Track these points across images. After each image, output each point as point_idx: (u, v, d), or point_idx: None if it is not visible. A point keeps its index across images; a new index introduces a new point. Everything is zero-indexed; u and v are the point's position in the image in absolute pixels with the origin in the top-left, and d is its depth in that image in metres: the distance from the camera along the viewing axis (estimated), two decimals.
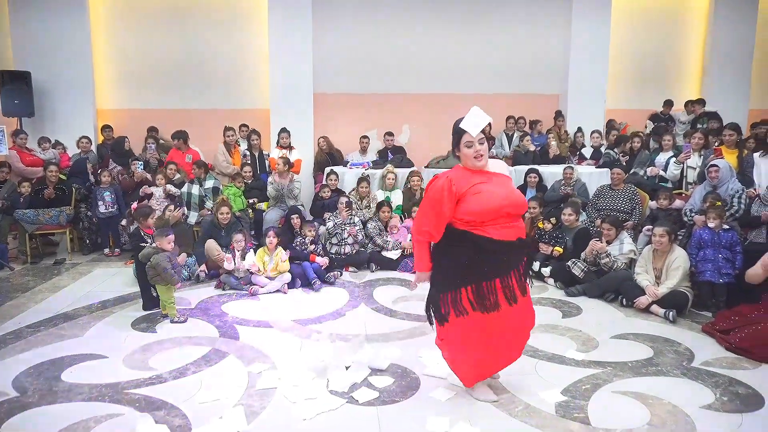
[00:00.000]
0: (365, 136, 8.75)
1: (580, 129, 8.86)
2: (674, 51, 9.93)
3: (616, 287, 5.10)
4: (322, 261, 5.76)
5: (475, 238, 2.83)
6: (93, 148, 8.27)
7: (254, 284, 5.45)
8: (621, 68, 9.65)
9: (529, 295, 3.08)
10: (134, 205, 6.06)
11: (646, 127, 9.13)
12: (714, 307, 4.83)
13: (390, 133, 8.85)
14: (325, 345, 4.15)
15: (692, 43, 9.95)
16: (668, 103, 9.17)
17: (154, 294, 4.77)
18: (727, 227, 4.92)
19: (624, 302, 4.96)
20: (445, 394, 3.33)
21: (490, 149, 9.66)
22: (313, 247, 5.86)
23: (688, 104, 8.94)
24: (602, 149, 8.12)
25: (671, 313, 4.60)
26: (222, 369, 3.74)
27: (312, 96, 9.12)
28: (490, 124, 9.26)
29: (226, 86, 9.19)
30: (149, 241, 4.82)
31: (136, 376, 3.60)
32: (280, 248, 5.59)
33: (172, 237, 4.67)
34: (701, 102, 8.83)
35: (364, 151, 8.73)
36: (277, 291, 5.48)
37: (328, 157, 8.61)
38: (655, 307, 4.76)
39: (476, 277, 2.88)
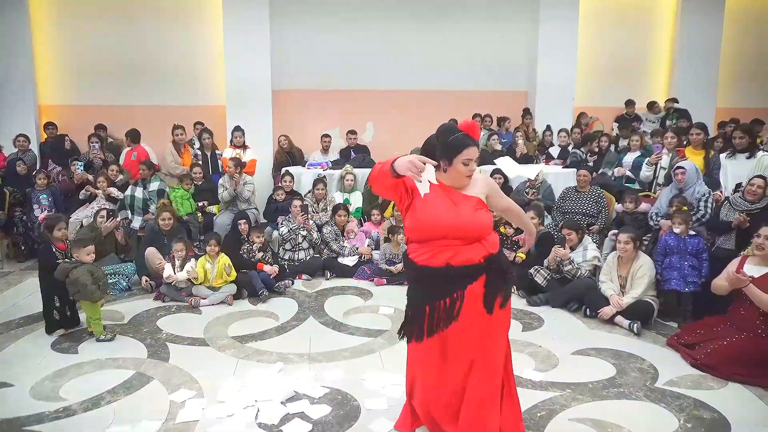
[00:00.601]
0: (326, 135, 8.37)
1: (549, 127, 8.61)
2: (643, 48, 9.75)
3: (580, 296, 4.84)
4: (271, 269, 5.38)
5: (421, 266, 2.54)
6: (34, 147, 7.75)
7: (195, 295, 5.06)
8: (589, 65, 9.44)
9: (491, 334, 2.54)
10: (42, 215, 5.54)
11: (612, 129, 8.95)
12: (680, 316, 4.61)
13: (353, 132, 8.49)
14: (261, 368, 3.79)
15: (661, 40, 9.79)
16: (630, 103, 8.98)
17: (67, 313, 4.34)
18: (694, 233, 4.68)
19: (588, 312, 4.71)
20: (387, 426, 3.00)
21: None
22: (261, 254, 5.48)
23: (652, 105, 8.78)
24: (569, 148, 7.88)
25: (636, 325, 4.35)
26: (142, 397, 3.36)
27: (271, 92, 8.70)
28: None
29: (180, 82, 8.71)
30: (59, 257, 4.33)
31: (41, 409, 3.19)
32: (223, 255, 5.20)
33: (91, 248, 4.25)
34: (673, 99, 8.66)
35: (325, 150, 8.36)
36: (222, 303, 5.09)
37: (288, 156, 8.22)
38: (619, 318, 4.50)
39: (434, 296, 2.54)
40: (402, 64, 9.15)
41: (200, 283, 5.07)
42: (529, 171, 6.94)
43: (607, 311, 4.51)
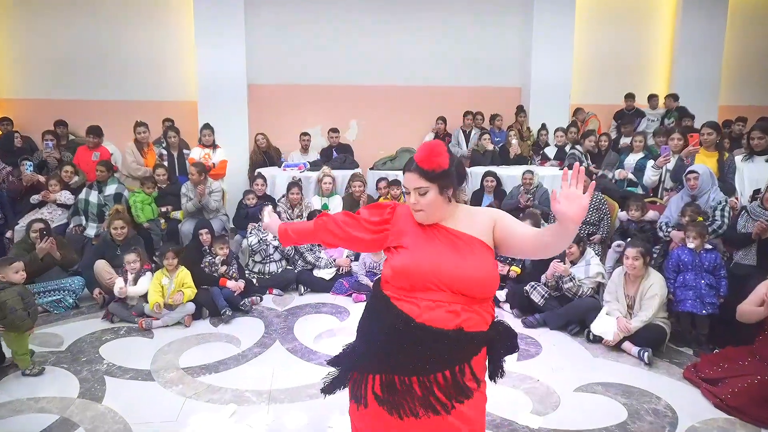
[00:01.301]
0: (305, 133, 7.77)
1: (544, 126, 8.07)
2: (642, 43, 9.21)
3: (582, 318, 4.30)
4: (235, 285, 4.79)
5: (394, 310, 1.89)
6: None
7: (148, 316, 4.46)
8: (586, 61, 8.89)
9: (476, 418, 1.93)
10: None
11: (610, 127, 8.43)
12: (694, 342, 4.07)
13: (335, 130, 7.88)
14: (210, 411, 3.20)
15: (661, 35, 9.26)
16: (630, 97, 8.43)
17: None
18: (710, 246, 4.15)
19: (591, 337, 4.16)
20: None
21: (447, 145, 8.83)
22: (224, 268, 4.88)
23: (651, 98, 8.25)
24: (567, 149, 7.34)
25: (647, 353, 3.81)
26: None
27: (246, 87, 8.07)
28: (445, 120, 8.61)
29: (147, 75, 8.06)
30: None
31: None
32: (183, 269, 4.60)
33: (19, 265, 3.64)
34: (674, 96, 8.14)
35: (305, 149, 7.77)
36: (179, 323, 4.50)
37: (265, 156, 7.62)
38: (627, 345, 3.97)
39: (391, 365, 1.91)
40: (388, 58, 8.56)
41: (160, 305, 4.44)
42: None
43: (615, 336, 3.97)
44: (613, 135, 7.82)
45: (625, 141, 7.39)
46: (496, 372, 2.00)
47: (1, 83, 7.93)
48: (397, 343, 1.85)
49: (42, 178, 6.13)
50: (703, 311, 3.97)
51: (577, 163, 1.76)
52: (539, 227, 5.14)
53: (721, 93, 9.23)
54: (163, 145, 6.95)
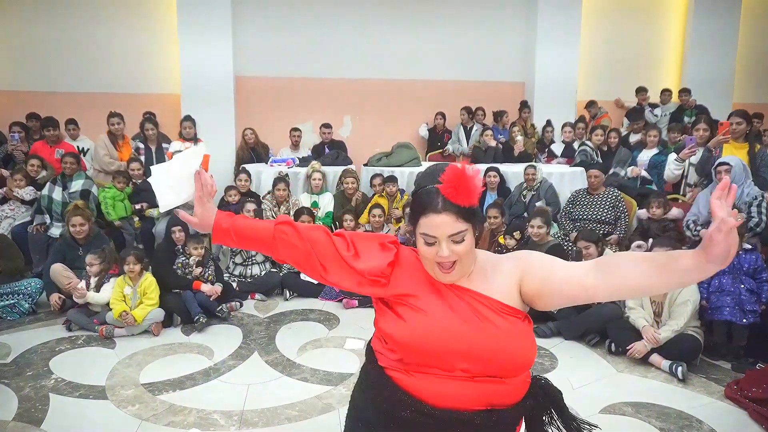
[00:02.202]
0: (296, 129, 7.27)
1: (549, 123, 7.60)
2: (653, 39, 8.77)
3: (602, 327, 3.79)
4: (210, 289, 4.26)
5: (397, 392, 1.36)
6: None
7: (109, 323, 3.93)
8: (594, 55, 8.43)
9: None
10: None
11: (622, 124, 7.96)
12: (731, 355, 3.57)
13: (327, 125, 7.39)
14: None
15: (672, 30, 8.83)
16: (642, 91, 7.96)
17: None
18: (749, 246, 3.66)
19: (613, 349, 3.65)
20: None
21: (446, 144, 8.47)
22: (199, 270, 4.36)
23: (663, 93, 7.79)
24: (575, 145, 6.87)
25: (680, 368, 3.30)
26: None
27: (233, 80, 7.58)
28: (444, 115, 8.14)
29: (128, 66, 7.54)
30: None
31: None
32: (148, 276, 4.08)
33: None
34: (687, 91, 7.68)
35: (295, 146, 7.28)
36: (145, 332, 3.98)
37: (252, 153, 7.13)
38: (656, 358, 3.46)
39: None
40: (384, 50, 8.07)
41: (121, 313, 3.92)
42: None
43: (640, 348, 3.46)
44: (624, 132, 7.35)
45: (635, 137, 6.93)
46: None
47: None
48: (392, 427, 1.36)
49: (5, 172, 5.62)
50: (743, 320, 3.47)
51: (727, 179, 1.20)
52: (549, 225, 4.67)
53: (735, 91, 8.80)
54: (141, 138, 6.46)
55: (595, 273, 1.30)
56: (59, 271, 4.24)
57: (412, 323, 1.35)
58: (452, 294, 1.37)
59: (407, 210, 4.88)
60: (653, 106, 7.82)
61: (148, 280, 4.04)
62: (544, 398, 1.45)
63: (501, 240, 4.65)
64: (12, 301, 4.30)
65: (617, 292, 1.30)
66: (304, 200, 5.76)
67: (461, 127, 7.69)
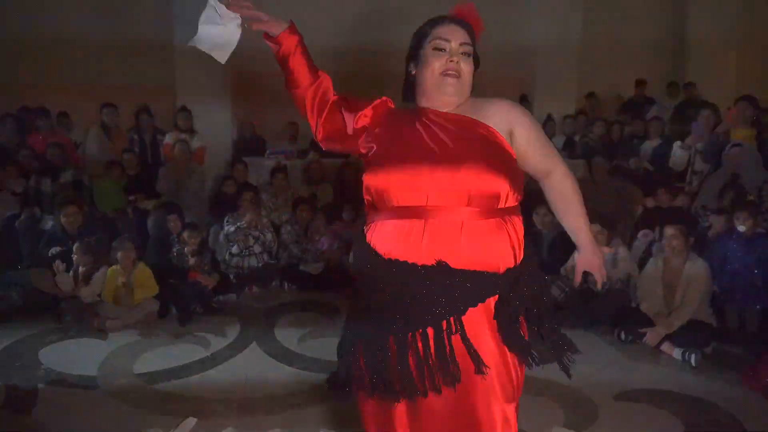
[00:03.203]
0: (293, 122, 7.16)
1: (550, 117, 7.51)
2: (653, 31, 8.70)
3: (611, 315, 3.69)
4: (206, 280, 4.14)
5: (364, 244, 1.50)
6: None
7: (101, 314, 3.79)
8: (594, 49, 8.34)
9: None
10: None
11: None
12: (744, 340, 3.47)
13: None
14: (163, 425, 2.55)
15: (672, 24, 8.77)
16: (641, 83, 7.89)
17: None
18: (762, 230, 3.57)
19: (623, 336, 3.55)
20: None
21: None
22: (195, 260, 4.23)
23: (672, 86, 7.72)
24: (576, 138, 6.79)
25: (693, 355, 3.20)
26: None
27: (229, 72, 7.43)
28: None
29: (119, 55, 7.37)
30: None
31: None
32: (142, 265, 3.95)
33: None
34: (692, 84, 7.60)
35: (293, 139, 7.17)
36: (139, 322, 3.85)
37: (249, 145, 7.02)
38: (667, 345, 3.36)
39: (372, 327, 1.43)
40: (385, 42, 7.96)
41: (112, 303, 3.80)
42: None
43: (654, 336, 3.36)
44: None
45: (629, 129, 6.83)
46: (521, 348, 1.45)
47: None
48: (409, 291, 1.42)
49: None
50: (757, 305, 3.38)
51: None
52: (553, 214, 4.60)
53: (736, 83, 8.71)
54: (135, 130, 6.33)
55: (545, 180, 1.61)
56: (38, 277, 4.07)
57: (376, 155, 1.51)
58: (425, 119, 1.53)
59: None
60: (651, 102, 7.74)
61: (143, 270, 3.91)
62: (533, 273, 1.52)
63: None
64: (1, 293, 4.16)
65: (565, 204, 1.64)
66: (303, 192, 5.65)
67: None
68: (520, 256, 1.48)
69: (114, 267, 3.90)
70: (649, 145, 6.03)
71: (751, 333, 3.48)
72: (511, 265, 1.44)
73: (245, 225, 4.76)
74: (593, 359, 3.35)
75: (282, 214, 5.23)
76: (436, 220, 1.39)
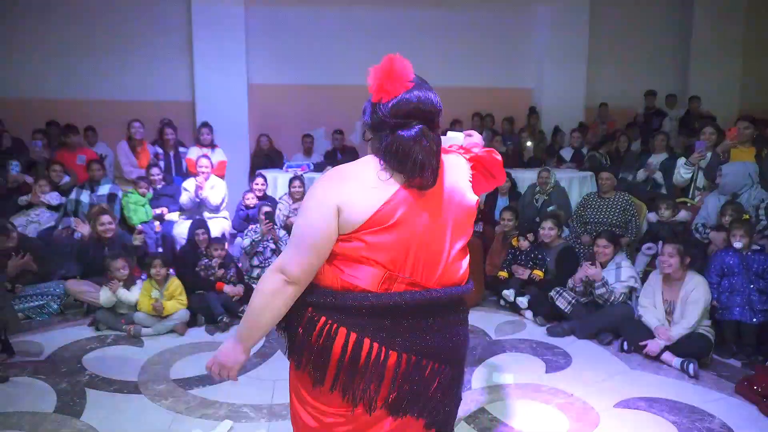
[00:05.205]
0: (308, 135, 7.44)
1: (558, 129, 7.73)
2: (660, 42, 8.88)
3: (615, 326, 3.91)
4: (233, 290, 4.40)
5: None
6: None
7: (135, 323, 4.06)
8: (603, 59, 8.53)
9: None
10: None
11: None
12: (741, 353, 3.67)
13: (339, 132, 7.56)
14: (202, 428, 2.81)
15: (678, 33, 8.94)
16: (651, 94, 8.07)
17: None
18: (757, 247, 3.77)
19: (626, 347, 3.76)
20: None
21: None
22: (221, 272, 4.49)
23: (670, 98, 7.90)
24: (584, 150, 7.00)
25: (692, 365, 3.41)
26: None
27: (246, 86, 7.73)
28: (461, 123, 8.27)
29: (141, 73, 7.68)
30: None
31: None
32: (174, 279, 4.22)
33: None
34: (697, 98, 7.77)
35: (308, 152, 7.45)
36: (171, 332, 4.11)
37: (267, 159, 7.29)
38: (667, 356, 3.57)
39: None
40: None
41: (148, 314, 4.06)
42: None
43: (653, 347, 3.57)
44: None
45: (636, 146, 7.03)
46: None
47: None
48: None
49: (29, 179, 5.77)
50: (753, 319, 3.58)
51: None
52: (561, 228, 4.82)
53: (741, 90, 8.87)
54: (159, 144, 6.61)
55: None
56: (76, 288, 4.36)
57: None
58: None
59: None
60: (660, 114, 7.92)
61: (175, 284, 4.18)
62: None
63: (514, 242, 4.76)
64: (41, 303, 4.44)
65: None
66: None
67: None
68: None
69: (147, 281, 4.17)
70: (656, 159, 6.22)
71: (747, 346, 3.67)
72: None
73: (259, 238, 5.01)
74: (597, 368, 3.57)
75: None
76: None
